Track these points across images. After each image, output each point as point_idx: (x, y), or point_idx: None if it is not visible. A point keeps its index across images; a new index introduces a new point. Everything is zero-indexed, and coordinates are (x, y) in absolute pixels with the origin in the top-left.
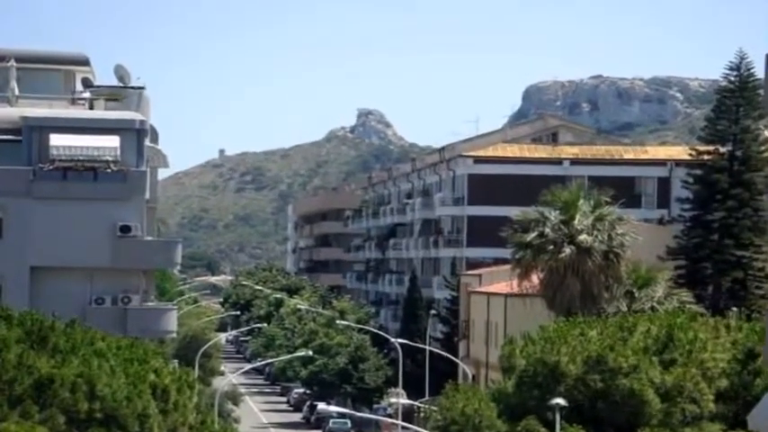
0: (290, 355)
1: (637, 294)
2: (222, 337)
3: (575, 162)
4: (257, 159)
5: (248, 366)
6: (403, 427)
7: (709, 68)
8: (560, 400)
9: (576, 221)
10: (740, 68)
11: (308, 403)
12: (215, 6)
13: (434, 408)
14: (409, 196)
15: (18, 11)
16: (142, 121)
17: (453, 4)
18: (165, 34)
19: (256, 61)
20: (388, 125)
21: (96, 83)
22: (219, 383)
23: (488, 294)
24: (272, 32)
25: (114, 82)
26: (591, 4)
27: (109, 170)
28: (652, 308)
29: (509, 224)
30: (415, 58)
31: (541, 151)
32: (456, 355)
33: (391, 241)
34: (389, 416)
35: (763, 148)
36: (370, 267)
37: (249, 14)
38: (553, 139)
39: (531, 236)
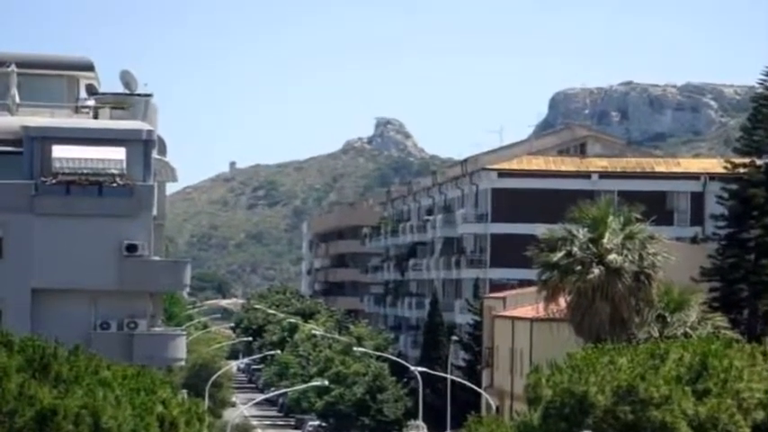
0: (304, 385)
1: (669, 319)
2: (233, 365)
3: (604, 176)
4: (270, 172)
5: (261, 397)
6: None
7: (745, 74)
8: None
9: (605, 240)
10: None
11: None
12: (225, 11)
13: None
14: (430, 212)
15: (19, 13)
16: (149, 132)
17: (475, 8)
18: (173, 39)
19: (269, 68)
20: (407, 135)
21: (101, 90)
22: (231, 415)
23: (513, 319)
24: (285, 37)
25: (120, 89)
26: (620, 6)
27: (114, 184)
28: (685, 333)
29: (535, 243)
30: (435, 64)
31: (569, 164)
32: (479, 384)
33: (411, 261)
34: None
35: None
36: (388, 290)
37: (262, 20)
38: (581, 150)
39: (557, 255)
